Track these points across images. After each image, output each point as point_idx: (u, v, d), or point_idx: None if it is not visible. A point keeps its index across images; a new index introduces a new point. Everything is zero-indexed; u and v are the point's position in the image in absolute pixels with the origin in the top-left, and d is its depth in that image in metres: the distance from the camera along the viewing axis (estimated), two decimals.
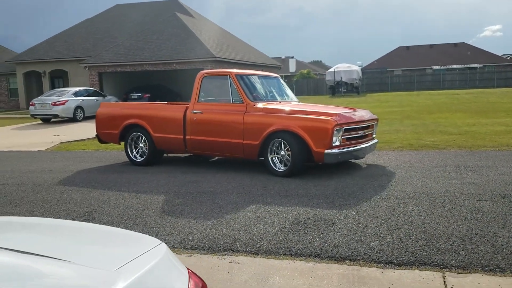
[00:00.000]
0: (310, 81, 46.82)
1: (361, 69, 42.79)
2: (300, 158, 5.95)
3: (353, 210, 4.42)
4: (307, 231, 3.87)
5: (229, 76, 6.76)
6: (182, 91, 28.40)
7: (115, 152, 9.26)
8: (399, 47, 60.53)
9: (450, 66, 51.38)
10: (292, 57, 54.37)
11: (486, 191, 4.95)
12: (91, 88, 21.39)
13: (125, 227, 4.19)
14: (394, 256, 3.27)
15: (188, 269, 1.52)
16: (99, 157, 8.74)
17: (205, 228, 4.07)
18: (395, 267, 3.12)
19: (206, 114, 6.80)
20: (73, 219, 4.50)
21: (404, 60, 55.92)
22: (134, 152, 7.57)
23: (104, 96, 20.77)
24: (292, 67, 48.88)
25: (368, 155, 7.23)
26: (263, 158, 6.37)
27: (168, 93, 27.52)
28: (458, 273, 2.97)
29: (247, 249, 3.53)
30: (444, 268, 3.04)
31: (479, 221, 3.96)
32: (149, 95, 24.89)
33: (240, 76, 6.84)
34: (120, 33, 30.77)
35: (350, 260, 3.26)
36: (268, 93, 7.24)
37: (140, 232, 3.99)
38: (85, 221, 4.43)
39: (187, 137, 6.95)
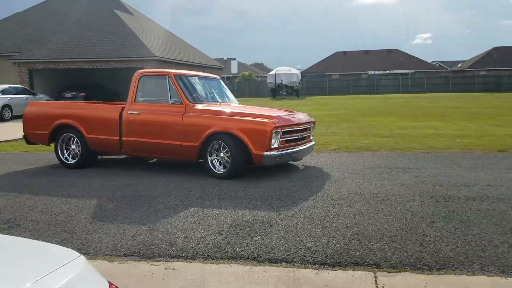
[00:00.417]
0: (251, 83, 47.18)
1: (301, 73, 43.82)
2: (239, 160, 5.95)
3: (290, 212, 4.47)
4: (245, 233, 3.86)
5: (168, 76, 6.61)
6: (121, 91, 27.47)
7: (45, 154, 8.73)
8: (337, 52, 62.75)
9: (384, 72, 54.04)
10: (234, 59, 54.51)
11: (415, 191, 5.21)
12: (20, 86, 20.09)
13: (53, 234, 3.94)
14: (328, 257, 3.34)
15: (109, 282, 1.43)
16: (28, 159, 8.20)
17: (140, 233, 3.93)
18: (330, 268, 3.18)
19: (144, 114, 6.60)
20: None
21: (341, 65, 58.05)
22: (66, 154, 7.21)
23: (34, 94, 19.60)
24: (234, 69, 49.00)
25: (306, 157, 7.37)
26: (202, 160, 6.29)
27: (105, 93, 26.45)
28: (388, 272, 3.08)
29: (183, 254, 3.45)
30: (376, 268, 3.15)
31: (408, 221, 4.16)
32: (84, 94, 23.77)
33: (179, 77, 6.71)
34: (53, 29, 29.12)
35: (286, 262, 3.28)
36: (208, 94, 7.15)
37: (69, 239, 3.78)
38: (9, 228, 4.12)
39: (123, 138, 6.71)
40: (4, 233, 3.98)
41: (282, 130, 6.02)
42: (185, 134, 6.22)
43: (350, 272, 3.11)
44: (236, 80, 48.71)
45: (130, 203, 4.93)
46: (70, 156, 7.19)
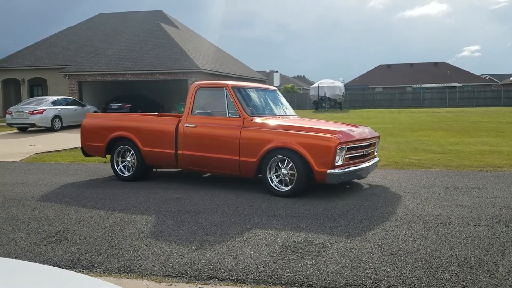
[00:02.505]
0: (294, 96, 46.97)
1: (344, 86, 43.18)
2: (305, 178, 5.58)
3: (345, 233, 4.19)
4: (298, 256, 3.61)
5: (225, 89, 6.37)
6: (165, 102, 28.04)
7: (92, 165, 8.86)
8: (380, 65, 61.54)
9: (430, 85, 52.36)
10: (277, 71, 54.63)
11: (480, 214, 4.79)
12: (70, 97, 20.84)
13: (100, 249, 3.86)
14: (391, 287, 3.04)
15: None
16: (75, 170, 8.34)
17: (187, 252, 3.77)
18: None
19: (200, 128, 6.38)
20: (43, 239, 4.15)
21: (385, 78, 56.80)
22: (121, 166, 7.13)
23: (83, 105, 20.25)
24: (277, 81, 49.04)
25: None
26: (260, 176, 5.99)
27: (150, 104, 27.11)
28: None
29: (233, 277, 3.25)
30: None
31: (476, 248, 3.77)
32: (130, 105, 24.42)
33: (237, 89, 6.45)
34: (102, 42, 30.31)
35: None
36: (266, 107, 6.87)
37: (116, 256, 3.67)
38: (57, 242, 4.08)
39: (179, 151, 6.51)
40: (52, 246, 3.94)
41: (347, 146, 5.64)
42: (243, 148, 5.95)
43: None
44: None
45: (176, 218, 4.81)
46: (126, 169, 7.11)
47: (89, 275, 3.32)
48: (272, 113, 6.74)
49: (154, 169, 7.57)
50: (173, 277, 3.30)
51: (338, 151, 5.44)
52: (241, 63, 35.42)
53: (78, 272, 3.37)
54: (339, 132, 5.69)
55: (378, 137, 6.80)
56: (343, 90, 38.33)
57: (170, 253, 3.76)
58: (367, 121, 22.17)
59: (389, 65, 60.89)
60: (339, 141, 5.47)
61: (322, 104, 37.00)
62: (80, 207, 5.38)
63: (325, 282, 3.12)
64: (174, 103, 24.91)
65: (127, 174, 7.07)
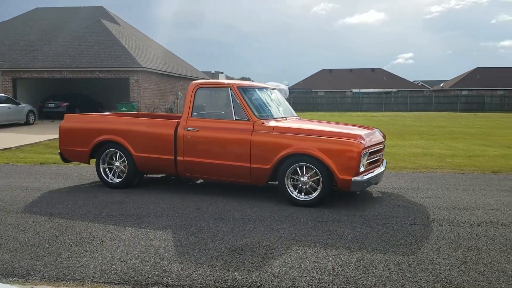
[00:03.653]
0: None
1: (289, 89, 43.99)
2: (329, 186, 5.27)
3: (291, 235, 4.24)
4: (245, 259, 3.61)
5: (230, 89, 5.83)
6: (106, 101, 27.03)
7: (26, 166, 8.34)
8: (323, 70, 63.35)
9: (368, 90, 54.67)
10: (222, 72, 54.50)
11: (416, 214, 5.04)
12: (3, 95, 19.47)
13: (36, 256, 3.63)
14: (336, 287, 3.11)
15: None
16: (8, 172, 7.80)
17: (130, 258, 3.64)
18: None
19: (203, 131, 5.81)
20: None
21: (327, 82, 58.56)
22: (108, 173, 6.44)
23: (17, 103, 19.03)
24: None
25: None
26: (274, 183, 5.69)
27: (89, 103, 26.01)
28: None
29: (179, 283, 3.18)
30: None
31: (413, 246, 3.97)
32: (67, 104, 23.30)
33: (243, 89, 5.92)
34: (39, 38, 28.68)
35: None
36: (271, 108, 6.36)
37: (54, 263, 3.47)
38: None
39: (179, 158, 5.92)
40: None
41: (369, 151, 5.38)
42: (254, 155, 5.50)
43: None
44: None
45: (118, 223, 4.63)
46: (115, 176, 6.42)
47: (25, 284, 3.12)
48: (278, 115, 6.26)
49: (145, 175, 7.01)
50: (115, 284, 3.17)
51: (362, 157, 5.16)
52: (186, 62, 34.98)
53: (13, 281, 3.14)
54: (360, 136, 5.35)
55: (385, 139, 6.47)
56: (287, 93, 39.01)
57: (112, 259, 3.61)
58: None
59: (330, 70, 62.84)
60: (364, 146, 5.18)
61: None
62: (14, 211, 5.03)
63: (272, 284, 3.14)
64: (115, 102, 24.06)
65: (116, 181, 6.38)
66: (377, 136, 5.89)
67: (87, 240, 4.08)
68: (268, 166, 5.44)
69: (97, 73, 23.51)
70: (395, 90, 54.96)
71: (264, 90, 6.54)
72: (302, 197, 5.36)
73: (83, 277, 3.28)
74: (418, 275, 3.33)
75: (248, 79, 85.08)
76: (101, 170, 6.45)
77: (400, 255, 3.73)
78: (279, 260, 3.59)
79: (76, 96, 24.84)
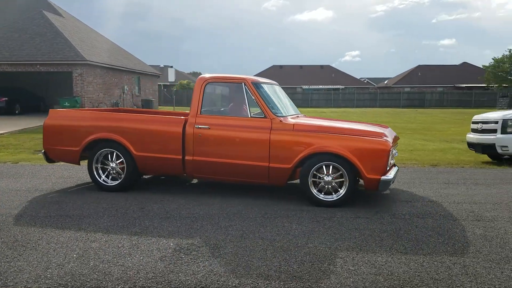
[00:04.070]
0: (190, 92, 46.50)
1: None
2: (354, 186, 5.21)
3: (239, 232, 4.20)
4: (191, 259, 3.51)
5: (245, 84, 5.56)
6: (48, 96, 25.72)
7: None
8: (273, 66, 63.92)
9: (317, 86, 55.82)
10: (171, 67, 53.52)
11: (359, 207, 5.16)
12: None
13: None
14: (282, 283, 3.10)
15: None
16: None
17: (68, 261, 3.44)
18: None
19: (216, 130, 5.49)
20: None
21: (278, 78, 58.99)
22: (102, 175, 5.90)
23: None
24: (172, 77, 48.06)
25: None
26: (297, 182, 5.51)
27: (30, 97, 24.67)
28: None
29: (119, 286, 3.03)
30: None
31: (357, 239, 4.05)
32: (6, 98, 21.96)
33: (257, 85, 5.64)
34: None
35: None
36: (282, 104, 6.06)
37: None
38: None
39: (188, 157, 5.56)
40: None
41: (392, 149, 5.30)
42: (273, 154, 5.27)
43: None
44: (174, 89, 47.71)
45: (56, 224, 4.38)
46: (107, 176, 5.91)
47: None
48: (290, 112, 6.02)
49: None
50: None
51: (390, 155, 5.09)
52: (133, 56, 33.98)
53: None
54: (384, 134, 5.29)
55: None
56: None
57: (48, 263, 3.39)
58: None
59: (281, 66, 63.52)
60: (391, 145, 5.14)
61: None
62: None
63: (218, 284, 3.08)
64: (57, 97, 22.93)
65: (112, 183, 5.85)
66: (393, 134, 5.83)
67: (21, 243, 3.82)
68: (289, 166, 5.24)
69: (38, 66, 22.33)
70: (343, 87, 56.53)
71: (271, 85, 6.24)
72: (328, 197, 5.22)
73: (16, 283, 3.06)
74: (361, 267, 3.40)
75: (199, 74, 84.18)
76: (95, 171, 5.89)
77: (345, 249, 3.79)
78: (226, 258, 3.53)
79: (15, 90, 23.48)
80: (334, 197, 5.21)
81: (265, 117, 5.42)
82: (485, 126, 8.85)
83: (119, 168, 5.82)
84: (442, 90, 51.16)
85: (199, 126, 5.54)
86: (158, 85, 38.31)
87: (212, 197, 5.57)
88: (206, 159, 5.52)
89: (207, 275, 3.20)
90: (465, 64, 60.04)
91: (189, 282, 3.10)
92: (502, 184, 6.61)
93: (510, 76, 37.75)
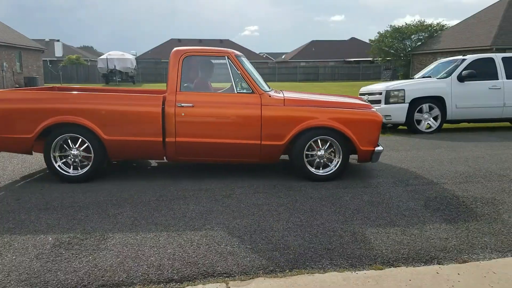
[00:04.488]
0: (80, 68, 43.21)
1: (136, 59, 41.89)
2: (347, 158, 5.21)
3: (130, 219, 3.90)
4: (72, 254, 3.16)
5: (228, 58, 5.23)
6: None
7: None
8: (172, 39, 61.88)
9: (217, 61, 55.43)
10: (58, 40, 48.94)
11: (259, 182, 5.14)
12: None
13: None
14: (175, 271, 2.92)
15: None
16: None
17: None
18: (178, 285, 2.77)
19: (201, 108, 5.07)
20: None
21: None
22: (60, 163, 5.12)
23: None
24: (59, 52, 44.00)
25: None
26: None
27: None
28: (241, 280, 2.82)
29: None
30: (228, 277, 2.86)
31: (256, 215, 4.00)
32: None
33: (240, 58, 5.36)
34: None
35: (125, 285, 2.75)
36: (260, 80, 5.70)
37: None
38: None
39: (169, 139, 5.05)
40: None
41: None
42: (266, 131, 5.05)
43: (200, 286, 2.76)
44: (61, 64, 43.81)
45: None
46: (68, 166, 5.15)
47: None
48: (268, 87, 5.68)
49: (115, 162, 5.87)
50: None
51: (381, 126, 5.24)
52: (11, 29, 30.33)
53: None
54: (370, 106, 5.43)
55: None
56: (134, 63, 37.19)
57: None
58: None
59: (180, 40, 61.69)
60: (381, 117, 5.25)
61: (112, 78, 35.15)
62: None
63: (103, 280, 2.79)
64: None
65: (75, 172, 5.13)
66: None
67: None
68: (282, 142, 5.08)
69: None
70: None
71: (245, 58, 5.85)
72: (321, 171, 5.20)
73: None
74: (258, 244, 3.35)
75: (91, 48, 78.48)
76: (53, 160, 5.09)
77: (243, 227, 3.72)
78: (113, 250, 3.24)
79: None
80: (328, 171, 5.22)
81: (253, 92, 5.16)
82: (370, 97, 9.44)
83: (83, 155, 5.14)
84: (334, 64, 54.07)
85: (182, 105, 5.06)
86: (43, 60, 34.87)
87: (101, 183, 5.13)
88: (191, 139, 5.10)
89: (91, 271, 2.89)
90: (353, 39, 63.93)
91: (69, 281, 2.77)
92: (385, 151, 7.10)
93: (392, 50, 41.03)
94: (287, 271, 2.93)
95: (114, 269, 2.94)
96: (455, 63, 9.70)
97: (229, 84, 5.28)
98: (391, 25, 45.26)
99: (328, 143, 5.17)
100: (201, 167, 6.00)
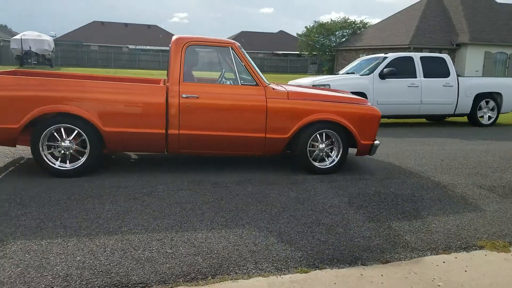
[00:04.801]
0: None
1: (54, 40, 39.04)
2: (347, 151, 5.35)
3: (36, 221, 3.48)
4: None
5: (232, 48, 5.10)
6: None
7: None
8: (94, 22, 58.60)
9: (145, 47, 53.40)
10: None
11: (183, 178, 4.89)
12: None
13: None
14: (84, 282, 2.62)
15: None
16: None
17: None
18: None
19: (206, 99, 4.91)
20: None
21: (100, 36, 54.46)
22: (48, 156, 4.70)
23: None
24: None
25: None
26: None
27: None
28: None
29: None
30: (145, 287, 2.62)
31: (178, 215, 3.77)
32: None
33: (242, 49, 5.26)
34: None
35: None
36: (260, 72, 5.46)
37: None
38: None
39: (172, 131, 4.85)
40: None
41: None
42: (271, 124, 5.03)
43: None
44: None
45: None
46: (60, 160, 4.73)
47: None
48: (267, 79, 5.52)
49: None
50: None
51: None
52: None
53: None
54: (367, 101, 5.61)
55: None
56: (52, 46, 34.59)
57: None
58: None
59: (103, 23, 58.53)
60: (380, 112, 5.43)
61: (28, 60, 32.41)
62: None
63: None
64: None
65: (68, 167, 4.73)
66: None
67: None
68: (287, 136, 5.10)
69: None
70: None
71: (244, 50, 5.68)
72: (322, 165, 5.31)
73: None
74: (180, 249, 3.13)
75: (5, 27, 71.77)
76: (42, 153, 4.66)
77: (163, 228, 3.48)
78: (13, 258, 2.84)
79: None
80: (329, 164, 5.32)
81: (256, 84, 5.10)
82: None
83: (75, 147, 4.74)
84: (262, 56, 54.52)
85: (186, 95, 4.87)
86: None
87: (3, 178, 4.58)
88: (195, 132, 4.93)
89: None
90: (281, 32, 64.93)
91: None
92: None
93: (317, 45, 42.20)
94: (210, 278, 2.75)
95: (13, 281, 2.57)
96: (377, 61, 10.09)
97: (218, 74, 5.32)
98: (316, 21, 46.59)
99: (328, 137, 5.31)
100: (120, 161, 5.61)
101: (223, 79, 5.34)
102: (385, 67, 9.64)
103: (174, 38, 5.13)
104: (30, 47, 31.97)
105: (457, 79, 9.96)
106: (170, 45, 5.11)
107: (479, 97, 10.13)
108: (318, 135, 5.23)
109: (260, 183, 4.86)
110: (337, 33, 41.64)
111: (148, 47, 53.42)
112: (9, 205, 3.82)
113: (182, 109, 4.88)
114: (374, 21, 78.43)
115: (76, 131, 4.68)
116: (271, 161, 5.92)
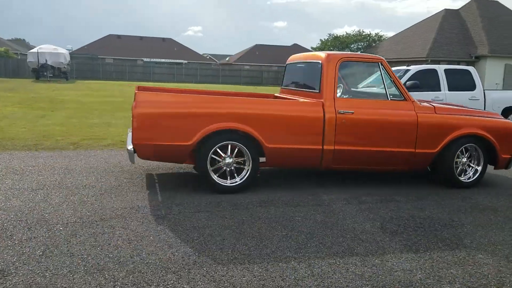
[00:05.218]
0: (8, 62, 39.90)
1: (71, 54, 39.51)
2: (486, 166, 5.45)
3: (41, 247, 3.16)
4: None
5: (381, 64, 5.12)
6: None
7: None
8: (110, 35, 59.28)
9: (159, 60, 53.77)
10: None
11: (201, 200, 4.56)
12: None
13: None
14: None
15: None
16: None
17: None
18: None
19: (360, 114, 4.92)
20: None
21: (115, 49, 55.04)
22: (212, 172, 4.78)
23: None
24: None
25: (47, 157, 5.92)
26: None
27: None
28: None
29: None
30: None
31: (196, 242, 3.43)
32: None
33: (388, 64, 5.24)
34: None
35: None
36: None
37: None
38: None
39: (327, 147, 4.86)
40: None
41: None
42: (421, 139, 5.08)
43: None
44: None
45: None
46: (229, 177, 4.82)
47: None
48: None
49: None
50: None
51: None
52: None
53: None
54: (499, 114, 5.74)
55: None
56: (68, 58, 34.91)
57: None
58: (96, 93, 20.64)
59: (119, 36, 59.19)
60: None
61: (43, 73, 32.73)
62: None
63: None
64: None
65: (236, 182, 4.79)
66: None
67: None
68: (435, 150, 5.15)
69: None
70: (186, 61, 55.60)
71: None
72: (466, 178, 5.38)
73: None
74: (198, 283, 2.78)
75: (23, 41, 73.28)
76: (210, 170, 4.72)
77: (180, 258, 3.13)
78: None
79: None
80: (471, 178, 5.38)
81: (405, 99, 5.14)
82: None
83: (235, 163, 4.80)
84: (277, 69, 54.42)
85: (343, 111, 4.88)
86: None
87: (7, 199, 4.30)
88: (349, 148, 4.95)
89: None
90: (296, 45, 64.84)
91: None
92: None
93: None
94: None
95: None
96: (399, 74, 9.70)
97: (367, 89, 5.53)
98: (330, 34, 46.45)
99: (467, 151, 5.36)
100: (132, 181, 5.31)
101: (373, 94, 5.35)
102: (408, 80, 9.25)
103: (326, 55, 5.10)
104: (46, 60, 32.28)
105: (484, 93, 9.52)
106: (312, 60, 5.30)
107: (506, 111, 9.66)
108: (462, 149, 5.33)
109: (284, 204, 4.49)
110: (352, 46, 41.42)
111: (163, 60, 53.77)
112: (12, 229, 3.52)
113: (339, 124, 4.89)
114: (388, 34, 78.03)
115: (237, 148, 4.72)
116: (293, 179, 5.56)
